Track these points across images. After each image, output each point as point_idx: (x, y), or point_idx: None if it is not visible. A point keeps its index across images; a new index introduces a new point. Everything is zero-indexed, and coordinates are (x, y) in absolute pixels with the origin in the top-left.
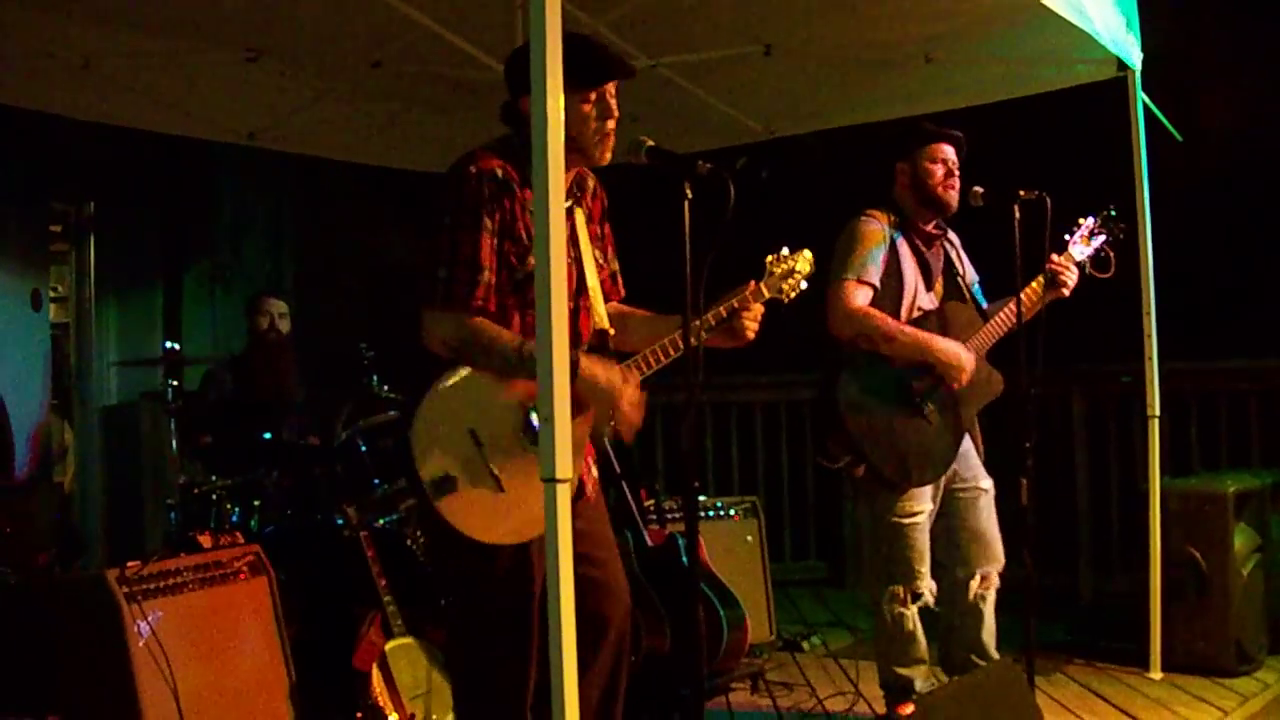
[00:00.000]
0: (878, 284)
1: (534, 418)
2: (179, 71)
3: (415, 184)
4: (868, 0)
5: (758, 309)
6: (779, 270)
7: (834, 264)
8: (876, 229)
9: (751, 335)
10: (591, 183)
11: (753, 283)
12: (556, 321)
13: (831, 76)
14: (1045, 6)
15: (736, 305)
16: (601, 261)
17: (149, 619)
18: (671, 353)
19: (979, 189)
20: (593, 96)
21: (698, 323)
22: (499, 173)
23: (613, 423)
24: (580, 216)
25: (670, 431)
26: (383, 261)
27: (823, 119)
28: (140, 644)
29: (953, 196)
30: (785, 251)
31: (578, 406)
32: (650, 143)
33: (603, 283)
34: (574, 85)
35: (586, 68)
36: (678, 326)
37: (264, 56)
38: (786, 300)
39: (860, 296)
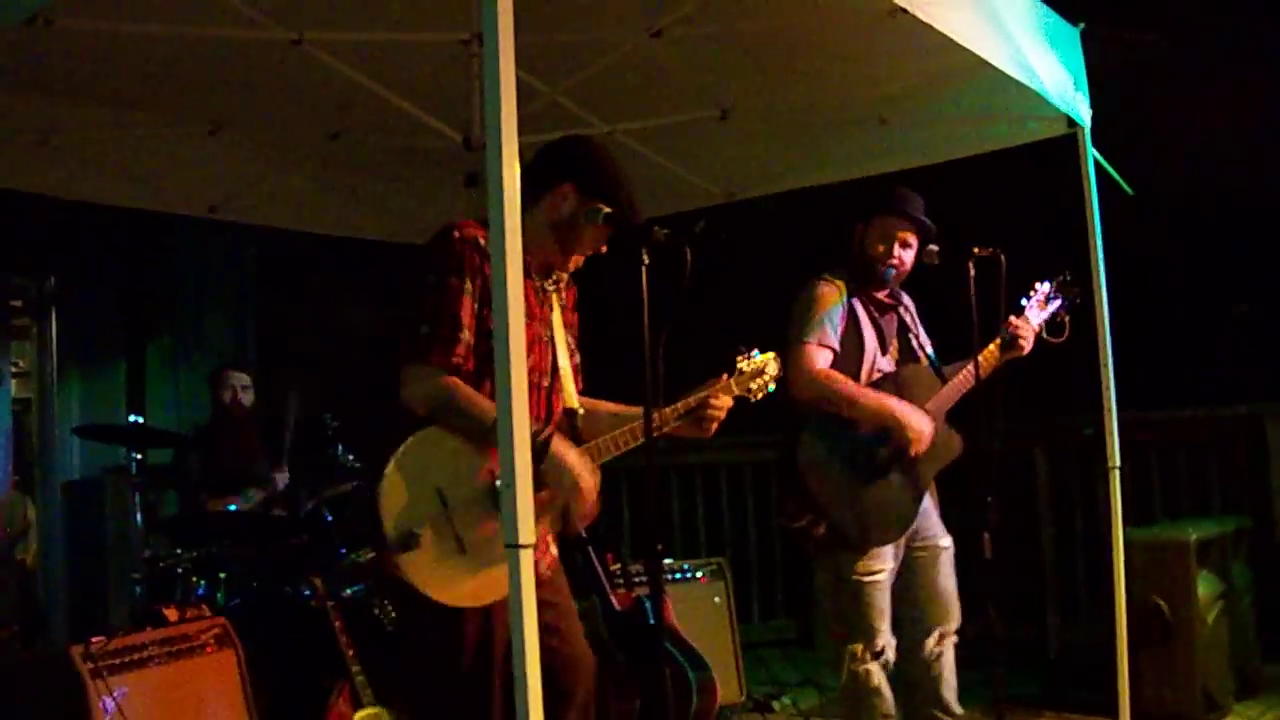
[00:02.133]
0: (837, 346)
1: (499, 484)
2: (139, 145)
3: (376, 253)
4: (820, 63)
5: (726, 401)
6: (748, 369)
7: (792, 327)
8: (831, 291)
9: (715, 428)
10: (566, 274)
11: (725, 376)
12: (516, 388)
13: (788, 139)
14: (994, 67)
15: (707, 398)
16: (573, 347)
17: (114, 695)
18: (630, 442)
19: (933, 247)
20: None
21: (667, 411)
22: (481, 241)
23: (567, 508)
24: (556, 301)
25: (635, 495)
26: (347, 331)
27: (781, 181)
28: None
29: (888, 274)
30: (755, 353)
31: (540, 483)
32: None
33: (572, 369)
34: (589, 192)
35: (611, 193)
36: (641, 419)
37: (224, 129)
38: (753, 400)
39: (821, 359)
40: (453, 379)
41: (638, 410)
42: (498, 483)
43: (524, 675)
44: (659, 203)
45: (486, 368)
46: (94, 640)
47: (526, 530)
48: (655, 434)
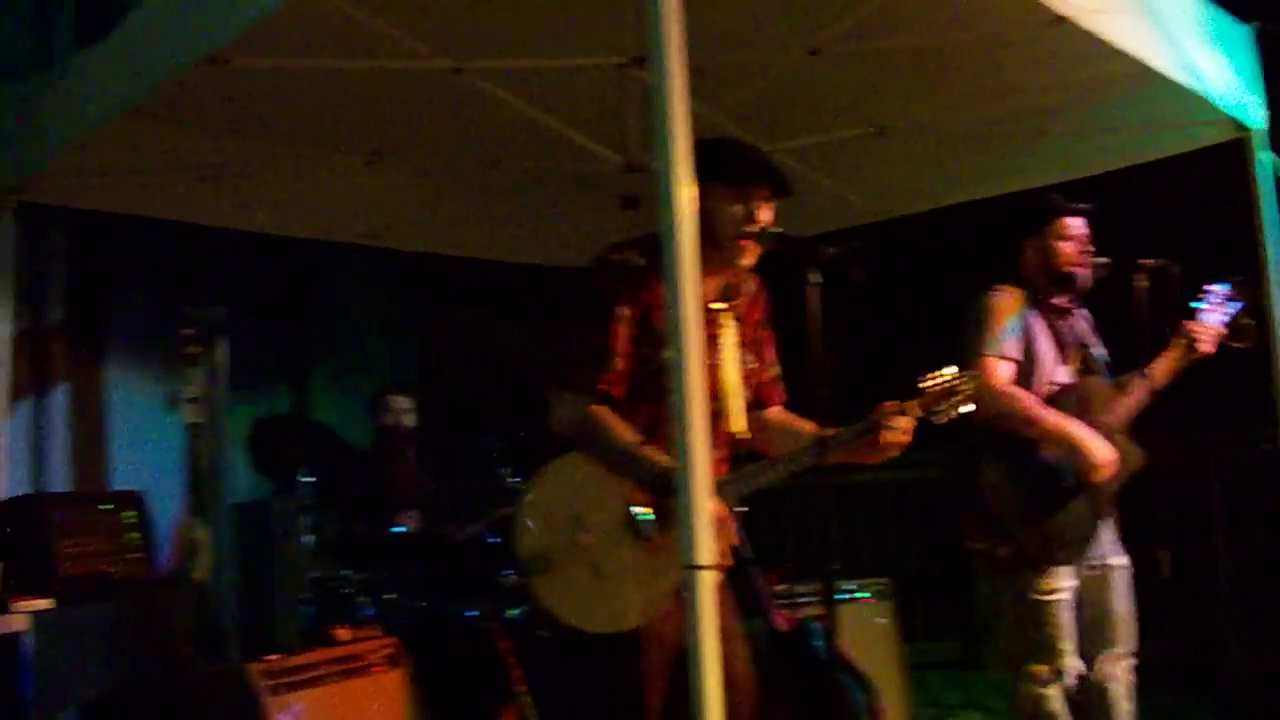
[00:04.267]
0: (1020, 358)
1: (637, 512)
2: (303, 177)
3: (534, 275)
4: (979, 77)
5: (902, 423)
6: (933, 388)
7: (970, 340)
8: (1010, 301)
9: (896, 451)
10: (753, 285)
11: (886, 404)
12: (694, 410)
13: (945, 154)
14: (1159, 74)
15: (876, 420)
16: (754, 365)
17: (290, 711)
18: (773, 473)
19: (1102, 259)
20: (740, 196)
21: (827, 435)
22: (639, 264)
23: None
24: (729, 321)
25: (799, 515)
26: (507, 353)
27: (938, 197)
28: None
29: (1086, 273)
30: (953, 370)
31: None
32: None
33: (761, 386)
34: (723, 181)
35: (737, 168)
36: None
37: (385, 159)
38: (941, 422)
39: (1004, 372)
40: (599, 407)
41: (807, 430)
42: (635, 510)
43: (701, 698)
44: (815, 221)
45: (641, 393)
46: (271, 658)
47: (705, 551)
48: (822, 459)
